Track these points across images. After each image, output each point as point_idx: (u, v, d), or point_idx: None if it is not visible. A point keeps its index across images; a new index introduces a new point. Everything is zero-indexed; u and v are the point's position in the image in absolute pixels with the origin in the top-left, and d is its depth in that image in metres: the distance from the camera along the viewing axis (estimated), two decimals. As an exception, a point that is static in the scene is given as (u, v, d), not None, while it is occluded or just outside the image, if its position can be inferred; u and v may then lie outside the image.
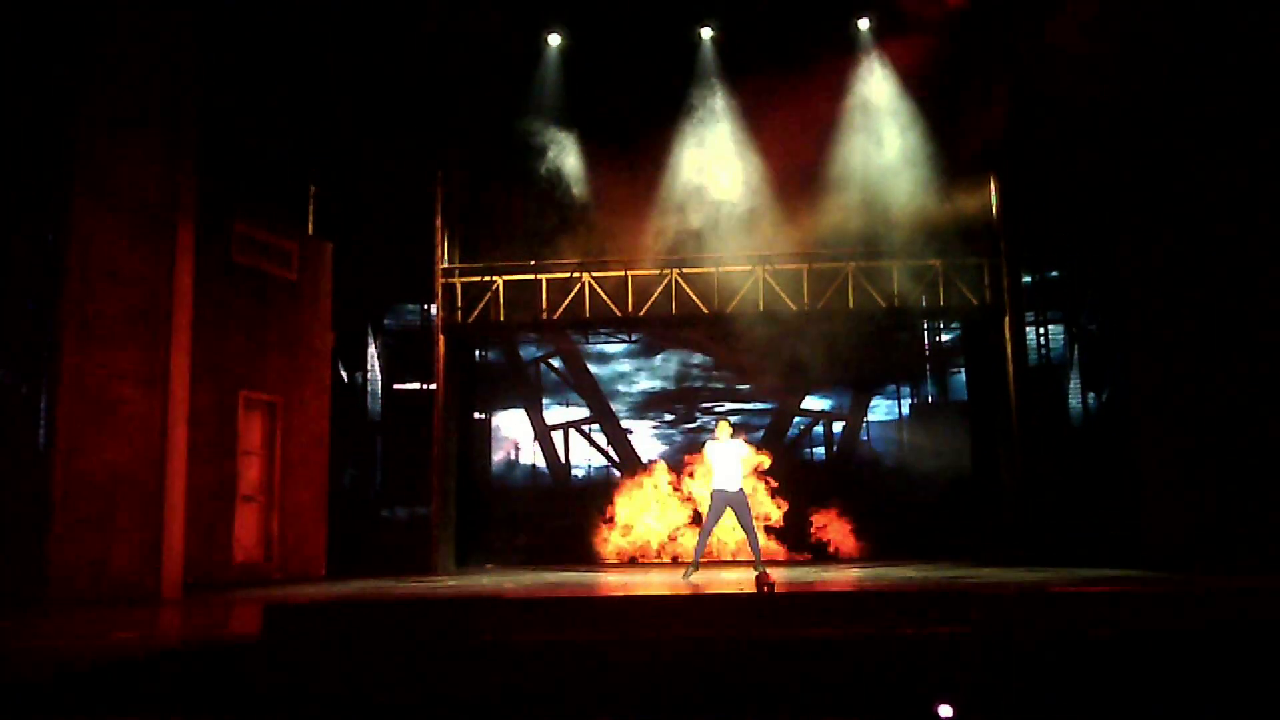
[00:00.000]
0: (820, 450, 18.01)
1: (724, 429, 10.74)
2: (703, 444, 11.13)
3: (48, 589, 8.88)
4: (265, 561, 12.40)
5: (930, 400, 17.93)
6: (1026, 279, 14.42)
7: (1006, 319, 13.65)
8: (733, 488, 10.48)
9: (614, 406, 17.78)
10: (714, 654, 5.56)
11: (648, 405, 17.92)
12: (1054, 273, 15.15)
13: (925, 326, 17.52)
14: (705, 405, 17.80)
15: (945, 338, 17.73)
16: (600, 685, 5.14)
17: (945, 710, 4.45)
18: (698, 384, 17.77)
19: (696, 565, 10.79)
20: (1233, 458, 10.41)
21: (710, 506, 10.66)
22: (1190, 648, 5.39)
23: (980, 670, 5.29)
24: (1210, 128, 10.57)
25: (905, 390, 18.63)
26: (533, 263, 14.29)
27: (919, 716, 4.49)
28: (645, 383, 17.95)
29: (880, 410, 18.92)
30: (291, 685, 5.27)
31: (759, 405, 18.08)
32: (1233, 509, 10.35)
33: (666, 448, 17.64)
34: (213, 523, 11.47)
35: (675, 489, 15.49)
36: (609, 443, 18.21)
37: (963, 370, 16.94)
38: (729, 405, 18.36)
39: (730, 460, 10.53)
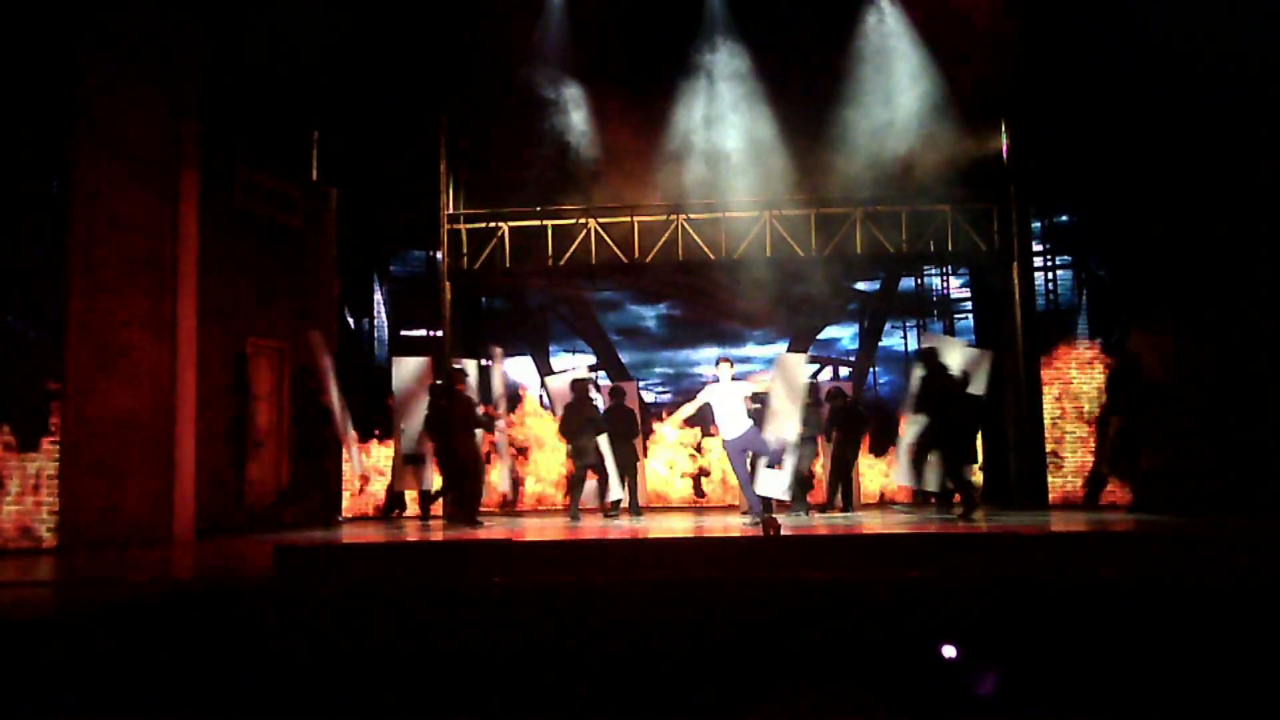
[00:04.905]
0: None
1: (725, 370, 10.32)
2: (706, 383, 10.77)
3: (59, 533, 8.97)
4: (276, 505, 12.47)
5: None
6: (1035, 224, 14.32)
7: (1015, 264, 13.57)
8: (738, 433, 10.21)
9: (620, 353, 17.80)
10: (721, 595, 5.61)
11: (654, 350, 17.92)
12: (1064, 218, 15.06)
13: (934, 271, 17.44)
14: (716, 352, 17.81)
15: (954, 282, 17.67)
16: (607, 627, 5.20)
17: (949, 651, 4.49)
18: (704, 329, 17.78)
19: (756, 512, 10.24)
20: (1227, 405, 10.45)
21: (730, 459, 10.48)
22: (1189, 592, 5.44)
23: (984, 613, 5.34)
24: (1216, 77, 10.44)
25: (912, 335, 18.65)
26: (538, 209, 14.19)
27: (924, 658, 4.54)
28: (652, 328, 17.94)
29: (887, 354, 18.99)
30: (302, 627, 5.34)
31: (766, 351, 18.10)
32: (1230, 455, 10.40)
33: (671, 396, 17.69)
34: (223, 467, 11.53)
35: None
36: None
37: (970, 315, 16.90)
38: (736, 351, 18.39)
39: (731, 404, 10.16)
